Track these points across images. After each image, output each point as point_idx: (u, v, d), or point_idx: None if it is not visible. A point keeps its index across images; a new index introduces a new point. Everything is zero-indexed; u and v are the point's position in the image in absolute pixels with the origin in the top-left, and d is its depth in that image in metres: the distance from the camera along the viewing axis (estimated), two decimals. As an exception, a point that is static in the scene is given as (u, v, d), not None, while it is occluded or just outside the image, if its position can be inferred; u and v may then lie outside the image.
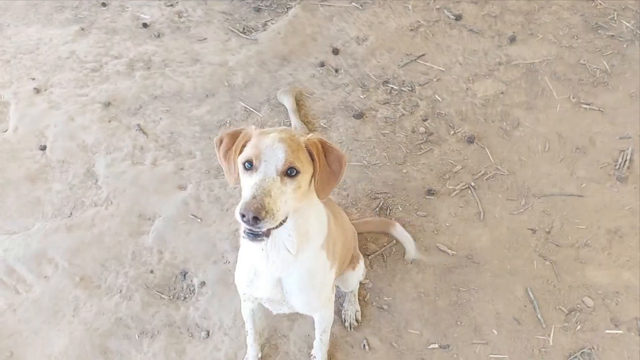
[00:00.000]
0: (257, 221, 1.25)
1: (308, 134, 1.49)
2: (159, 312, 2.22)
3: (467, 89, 3.14)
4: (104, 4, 3.72)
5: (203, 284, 2.31)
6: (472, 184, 2.66)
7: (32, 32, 3.52)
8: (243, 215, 1.25)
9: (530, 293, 2.28)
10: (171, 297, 2.28)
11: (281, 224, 1.35)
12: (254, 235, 1.33)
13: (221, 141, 1.48)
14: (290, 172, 1.34)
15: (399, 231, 2.35)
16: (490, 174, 2.71)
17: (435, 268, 2.35)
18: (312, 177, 1.42)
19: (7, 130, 2.93)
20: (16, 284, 2.29)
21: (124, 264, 2.36)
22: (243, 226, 1.31)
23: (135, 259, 2.38)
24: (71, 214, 2.54)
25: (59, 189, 2.64)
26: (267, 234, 1.34)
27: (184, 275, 2.34)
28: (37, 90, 3.12)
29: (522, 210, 2.57)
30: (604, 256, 2.40)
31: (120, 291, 2.27)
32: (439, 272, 2.34)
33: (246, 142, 1.42)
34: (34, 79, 3.20)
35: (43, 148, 2.83)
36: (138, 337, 2.15)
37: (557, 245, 2.45)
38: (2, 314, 2.19)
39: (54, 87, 3.15)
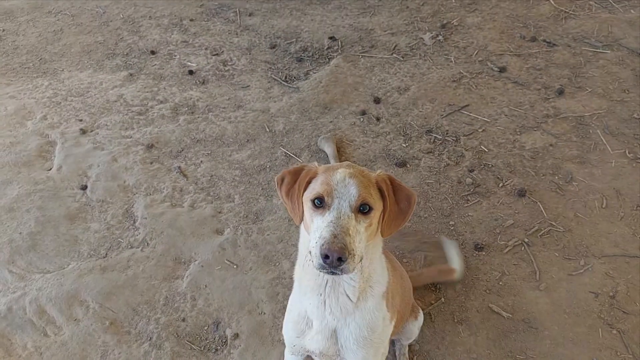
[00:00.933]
0: (341, 262, 1.18)
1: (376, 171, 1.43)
2: (188, 364, 2.08)
3: (515, 140, 3.03)
4: (153, 52, 3.88)
5: (236, 336, 2.17)
6: (526, 240, 2.48)
7: (83, 77, 3.67)
8: (326, 257, 1.18)
9: (597, 366, 2.04)
10: (202, 348, 2.14)
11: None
12: (334, 274, 1.25)
13: (283, 179, 1.41)
14: (363, 209, 1.27)
15: (459, 271, 2.25)
16: (544, 230, 2.53)
17: (488, 332, 2.15)
18: (381, 214, 1.34)
19: (51, 169, 2.98)
20: (45, 326, 2.21)
21: (156, 309, 2.26)
22: (318, 265, 1.22)
23: (167, 305, 2.27)
24: (106, 254, 2.49)
25: (97, 228, 2.61)
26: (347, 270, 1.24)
27: (217, 325, 2.21)
28: (84, 131, 3.20)
29: (581, 271, 2.37)
30: (680, 327, 2.14)
31: (150, 339, 2.16)
32: (493, 336, 2.14)
33: (310, 178, 1.35)
34: (81, 120, 3.29)
35: (84, 187, 2.84)
36: (165, 391, 2.00)
37: (624, 312, 2.22)
38: (29, 357, 2.10)
39: (100, 128, 3.22)
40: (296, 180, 1.37)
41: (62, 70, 3.76)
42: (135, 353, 2.11)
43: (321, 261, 1.19)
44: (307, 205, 1.31)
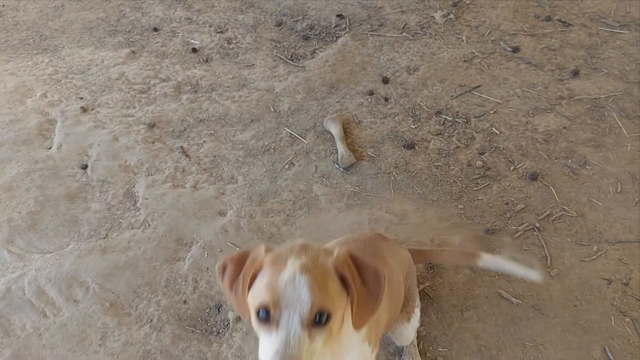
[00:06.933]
0: None
1: (333, 252, 1.14)
2: (190, 347, 2.04)
3: (527, 122, 2.93)
4: (155, 29, 3.78)
5: (238, 319, 2.12)
6: (537, 224, 2.41)
7: (84, 54, 3.58)
8: None
9: (609, 354, 1.98)
10: (204, 331, 2.10)
11: None
12: None
13: (224, 268, 1.17)
14: (319, 319, 1.04)
15: (487, 261, 1.93)
16: (556, 214, 2.46)
17: (497, 318, 2.09)
18: (346, 307, 1.13)
19: (51, 147, 2.92)
20: (45, 307, 2.17)
21: (156, 291, 2.21)
22: None
23: (169, 287, 2.23)
24: (107, 235, 2.44)
25: (97, 208, 2.56)
26: None
27: (219, 308, 2.17)
28: (84, 110, 3.12)
29: (594, 257, 2.29)
30: (697, 316, 2.07)
31: (151, 321, 2.12)
32: (502, 322, 2.08)
33: (256, 272, 1.11)
34: (82, 98, 3.22)
35: (84, 167, 2.79)
36: (166, 373, 1.97)
37: (637, 299, 2.15)
38: (28, 338, 2.07)
39: (101, 107, 3.15)
40: (240, 270, 1.13)
41: (63, 47, 3.67)
42: (136, 335, 2.07)
43: None
44: (252, 313, 1.09)
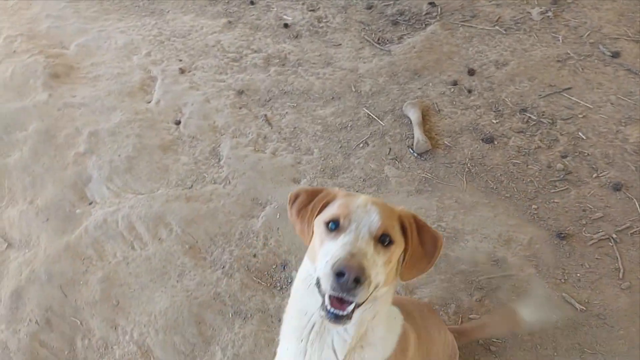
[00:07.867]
0: (356, 285, 0.99)
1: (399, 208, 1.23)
2: (255, 296, 2.21)
3: (618, 131, 2.79)
4: (252, 2, 3.97)
5: (301, 279, 2.26)
6: (614, 236, 2.32)
7: (186, 20, 3.85)
8: (341, 275, 0.99)
9: (675, 377, 1.90)
10: (268, 284, 2.26)
11: (357, 306, 1.07)
12: (337, 317, 1.06)
13: (297, 197, 1.27)
14: (383, 240, 1.10)
15: (529, 314, 1.84)
16: (636, 228, 2.35)
17: (557, 320, 2.07)
18: (402, 254, 1.18)
19: (150, 101, 3.20)
20: (133, 240, 2.44)
21: (231, 242, 2.41)
22: (328, 296, 1.05)
23: (242, 240, 2.41)
24: (192, 186, 2.67)
25: (186, 161, 2.80)
26: (351, 316, 1.08)
27: (284, 266, 2.32)
28: (182, 71, 3.38)
29: (673, 278, 2.18)
30: None
31: (223, 267, 2.31)
32: (561, 325, 2.05)
33: (327, 202, 1.21)
34: (181, 60, 3.48)
35: (177, 123, 3.04)
36: (232, 315, 2.15)
37: None
38: (117, 264, 2.34)
39: (197, 70, 3.40)
40: (311, 200, 1.22)
41: (168, 11, 3.97)
42: (209, 277, 2.27)
43: (333, 281, 1.00)
44: (319, 229, 1.15)
